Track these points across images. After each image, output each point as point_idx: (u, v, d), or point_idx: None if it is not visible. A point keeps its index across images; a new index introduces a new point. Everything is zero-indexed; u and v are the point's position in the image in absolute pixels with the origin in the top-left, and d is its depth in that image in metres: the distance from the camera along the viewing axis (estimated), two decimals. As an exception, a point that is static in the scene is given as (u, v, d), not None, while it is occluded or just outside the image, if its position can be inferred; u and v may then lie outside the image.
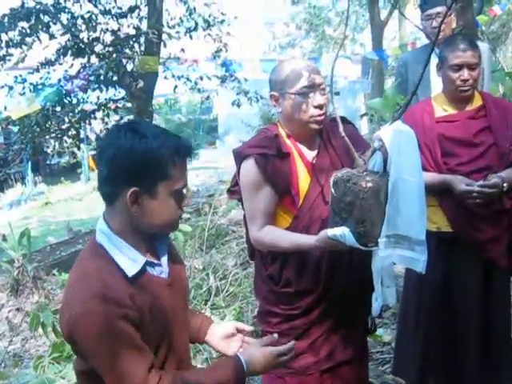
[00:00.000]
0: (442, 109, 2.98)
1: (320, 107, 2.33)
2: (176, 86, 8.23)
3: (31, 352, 5.23)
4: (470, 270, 2.93)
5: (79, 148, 8.36)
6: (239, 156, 2.43)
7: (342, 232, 2.06)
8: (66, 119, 7.47)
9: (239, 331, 2.02)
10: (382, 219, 2.06)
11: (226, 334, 2.00)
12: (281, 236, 2.34)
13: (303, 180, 2.40)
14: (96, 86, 7.25)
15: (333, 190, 2.09)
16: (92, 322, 1.52)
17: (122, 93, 7.72)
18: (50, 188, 16.13)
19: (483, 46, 3.95)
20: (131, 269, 1.62)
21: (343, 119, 2.42)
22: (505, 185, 2.74)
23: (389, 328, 4.33)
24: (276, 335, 1.96)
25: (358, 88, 19.32)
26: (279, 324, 2.46)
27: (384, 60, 13.19)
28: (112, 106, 7.83)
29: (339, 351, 2.47)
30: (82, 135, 8.58)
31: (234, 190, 2.55)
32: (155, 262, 1.73)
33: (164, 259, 1.77)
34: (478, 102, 2.96)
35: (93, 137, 15.85)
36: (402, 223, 2.09)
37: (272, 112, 16.10)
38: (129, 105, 7.85)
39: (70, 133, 7.61)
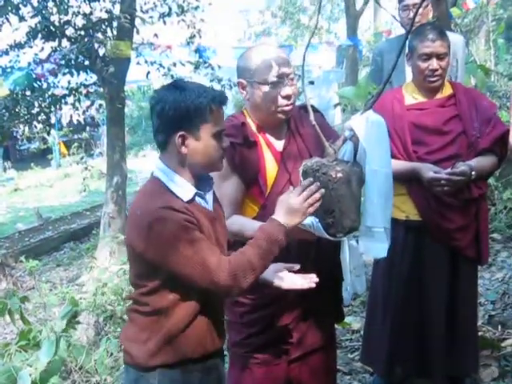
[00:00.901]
0: (412, 97, 3.00)
1: (288, 98, 2.31)
2: (149, 72, 8.10)
3: (-2, 340, 5.17)
4: (438, 258, 2.96)
5: (49, 133, 8.21)
6: None
7: (310, 221, 2.06)
8: (36, 104, 7.30)
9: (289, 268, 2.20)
10: (354, 209, 2.05)
11: (277, 268, 2.18)
12: (248, 225, 2.31)
13: (271, 169, 2.39)
14: (67, 70, 7.10)
15: (302, 180, 2.08)
16: (168, 224, 1.83)
17: (93, 78, 7.58)
18: (20, 174, 15.88)
19: (457, 38, 3.98)
20: (185, 196, 1.92)
21: (311, 107, 2.40)
22: (473, 173, 2.75)
23: (358, 316, 4.37)
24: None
25: (333, 78, 19.33)
26: (246, 314, 2.45)
27: (357, 47, 13.22)
28: (83, 91, 7.69)
29: (307, 340, 2.47)
30: (52, 121, 8.43)
31: None
32: (204, 196, 2.01)
33: (209, 196, 2.05)
34: (447, 90, 2.98)
35: (64, 122, 15.62)
36: (369, 214, 2.11)
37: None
38: (101, 90, 7.72)
39: (39, 118, 7.46)
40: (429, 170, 2.77)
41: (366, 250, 2.22)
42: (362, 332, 3.85)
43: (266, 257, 1.94)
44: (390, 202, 2.19)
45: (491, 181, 5.29)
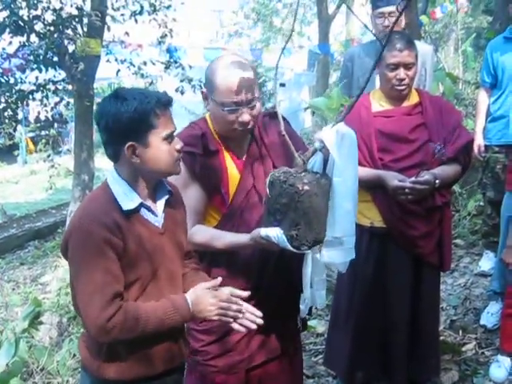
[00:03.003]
0: (379, 104, 3.02)
1: (244, 124, 2.25)
2: (119, 70, 8.06)
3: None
4: (401, 264, 2.99)
5: (15, 129, 8.08)
6: None
7: (275, 233, 2.03)
8: (3, 99, 7.20)
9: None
10: (320, 222, 2.03)
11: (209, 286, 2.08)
12: (212, 235, 2.30)
13: (233, 178, 2.35)
14: (35, 66, 7.01)
15: (268, 191, 2.05)
16: (80, 235, 1.83)
17: (62, 74, 7.49)
18: (-16, 169, 15.59)
19: (426, 48, 4.04)
20: (126, 204, 1.89)
21: (275, 114, 2.35)
22: (437, 181, 2.79)
23: (323, 319, 4.40)
24: (219, 279, 2.04)
25: (304, 80, 19.43)
26: (203, 321, 2.38)
27: (328, 54, 13.31)
28: (51, 87, 7.59)
29: (267, 348, 2.44)
30: (19, 116, 8.30)
31: None
32: (153, 209, 1.98)
33: (160, 210, 2.00)
34: (414, 99, 3.01)
35: (32, 118, 15.36)
36: (339, 224, 2.10)
37: (217, 101, 16.03)
38: (69, 87, 7.64)
39: (6, 113, 7.34)
40: (393, 178, 2.80)
41: (330, 258, 2.19)
42: (326, 335, 3.88)
43: (159, 328, 1.89)
44: (354, 216, 2.21)
45: (456, 188, 5.37)
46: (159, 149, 1.89)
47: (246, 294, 2.05)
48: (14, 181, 13.95)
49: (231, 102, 2.20)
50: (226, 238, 2.27)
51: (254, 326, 2.04)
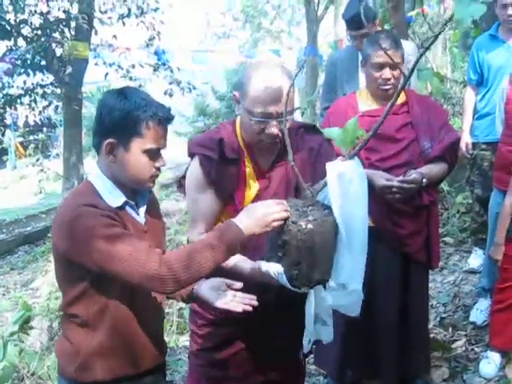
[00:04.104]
0: (366, 104, 3.03)
1: (272, 137, 2.12)
2: (107, 73, 8.06)
3: None
4: (390, 263, 2.99)
5: (4, 134, 8.06)
6: (188, 151, 2.30)
7: (276, 271, 1.90)
8: (-11, 104, 7.19)
9: (229, 287, 2.03)
10: (323, 262, 1.89)
11: (216, 285, 2.03)
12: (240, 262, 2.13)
13: (251, 189, 2.24)
14: (22, 70, 7.02)
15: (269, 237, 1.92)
16: (88, 220, 1.76)
17: (50, 78, 7.49)
18: (-26, 175, 15.50)
19: (410, 45, 4.06)
20: (112, 202, 1.87)
21: (312, 128, 2.26)
22: (424, 180, 2.80)
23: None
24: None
25: (294, 83, 19.45)
26: (203, 326, 2.39)
27: (316, 56, 13.33)
28: (39, 91, 7.58)
29: (265, 371, 2.37)
30: (8, 121, 8.28)
31: (182, 185, 2.40)
32: (135, 207, 1.94)
33: (142, 210, 1.98)
34: (401, 98, 3.01)
35: (21, 123, 15.30)
36: (343, 269, 1.93)
37: (206, 103, 16.02)
38: (57, 91, 7.62)
39: (-7, 118, 7.33)
40: (380, 178, 2.80)
41: (335, 301, 2.02)
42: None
43: (215, 258, 1.79)
44: (364, 263, 2.00)
45: (444, 186, 5.39)
46: (136, 158, 1.85)
47: (239, 284, 1.99)
48: (4, 186, 13.88)
49: (260, 113, 2.07)
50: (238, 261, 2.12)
51: (249, 308, 1.96)
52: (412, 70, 1.74)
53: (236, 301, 1.97)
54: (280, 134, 2.10)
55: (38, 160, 8.05)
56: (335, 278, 1.93)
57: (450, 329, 3.87)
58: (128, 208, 1.93)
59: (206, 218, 2.24)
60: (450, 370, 3.45)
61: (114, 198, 1.88)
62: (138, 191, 1.97)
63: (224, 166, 2.20)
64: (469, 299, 4.20)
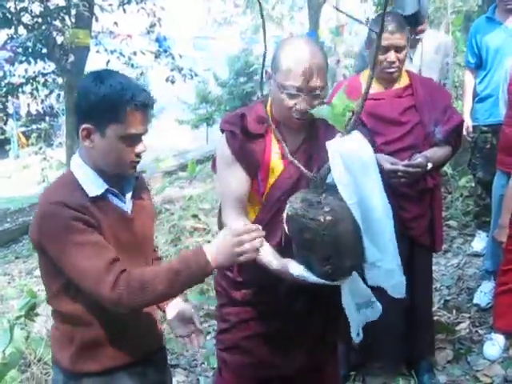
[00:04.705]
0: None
1: (302, 112, 2.06)
2: (109, 61, 8.02)
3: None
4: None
5: (6, 123, 8.05)
6: (220, 128, 2.29)
7: (308, 274, 1.85)
8: (-9, 92, 7.18)
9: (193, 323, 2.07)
10: (353, 247, 1.80)
11: (183, 315, 2.05)
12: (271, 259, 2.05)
13: (275, 167, 2.18)
14: (24, 58, 6.99)
15: (286, 228, 1.86)
16: (50, 222, 1.73)
17: (51, 66, 7.46)
18: (-24, 164, 15.53)
19: (448, 39, 4.12)
20: (92, 191, 1.81)
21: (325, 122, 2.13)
22: (429, 164, 2.80)
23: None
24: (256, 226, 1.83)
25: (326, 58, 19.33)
26: (222, 307, 2.36)
27: (318, 41, 13.24)
28: (41, 79, 7.56)
29: (287, 361, 2.27)
30: (11, 110, 8.27)
31: (215, 164, 2.35)
32: (119, 194, 1.89)
33: (128, 196, 1.93)
34: (405, 81, 3.00)
35: (23, 112, 15.29)
36: (368, 252, 1.86)
37: (208, 90, 15.97)
38: (59, 79, 7.61)
39: (-5, 107, 7.33)
40: (386, 162, 2.79)
41: (374, 283, 1.95)
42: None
43: (172, 289, 1.76)
44: (394, 235, 1.90)
45: (448, 169, 5.39)
46: (114, 144, 1.78)
47: (198, 325, 2.05)
48: (7, 175, 13.89)
49: (291, 86, 2.02)
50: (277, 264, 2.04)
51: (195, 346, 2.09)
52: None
53: (191, 338, 2.06)
54: (308, 114, 2.04)
55: (40, 149, 8.05)
56: (365, 258, 1.87)
57: (454, 311, 3.88)
58: (111, 196, 1.87)
59: (236, 196, 2.17)
60: (454, 352, 3.48)
61: (95, 186, 1.82)
62: (122, 177, 1.91)
63: (248, 142, 2.16)
64: (472, 282, 4.21)
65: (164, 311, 2.12)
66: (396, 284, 1.95)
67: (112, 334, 1.87)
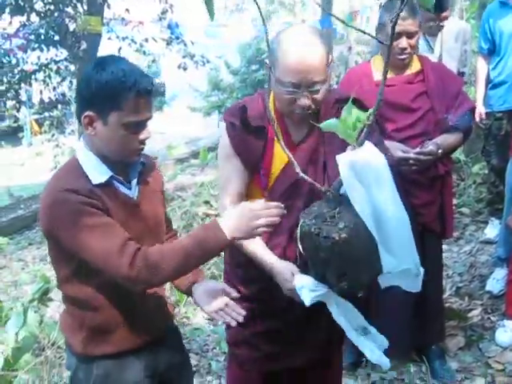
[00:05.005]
0: (381, 73, 2.98)
1: (304, 108, 1.98)
2: (120, 48, 8.04)
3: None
4: None
5: (19, 110, 8.09)
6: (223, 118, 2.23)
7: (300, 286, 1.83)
8: (5, 80, 7.20)
9: (226, 294, 1.94)
10: (370, 260, 1.73)
11: (213, 290, 1.95)
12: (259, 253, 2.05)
13: (279, 161, 2.09)
14: (36, 45, 7.02)
15: (300, 247, 1.78)
16: (61, 208, 1.72)
17: (64, 53, 7.49)
18: (-10, 152, 15.62)
19: (466, 26, 4.08)
20: (96, 178, 1.79)
21: (356, 103, 1.96)
22: (440, 151, 2.78)
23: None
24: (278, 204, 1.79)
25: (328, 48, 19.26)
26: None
27: (331, 28, 13.14)
28: (54, 67, 7.59)
29: (293, 356, 2.23)
30: (24, 98, 8.31)
31: None
32: (125, 181, 1.87)
33: (134, 183, 1.91)
34: (416, 66, 2.97)
35: (36, 100, 15.34)
36: (390, 260, 1.75)
37: (220, 78, 15.94)
38: (72, 67, 7.63)
39: (9, 94, 7.35)
40: (397, 150, 2.77)
41: (387, 283, 1.86)
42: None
43: (189, 263, 1.76)
44: (408, 240, 1.79)
45: (460, 156, 5.36)
46: (116, 132, 1.76)
47: (234, 293, 1.91)
48: (20, 163, 13.98)
49: (289, 83, 1.92)
50: (256, 249, 2.05)
51: (233, 323, 1.88)
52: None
53: (225, 311, 1.90)
54: (313, 106, 1.98)
55: (53, 136, 8.09)
56: (381, 269, 1.77)
57: (466, 298, 3.87)
58: (116, 183, 1.85)
59: (235, 188, 2.12)
60: (465, 338, 3.47)
61: (99, 174, 1.81)
62: (127, 164, 1.89)
63: (248, 134, 2.09)
64: (485, 269, 4.19)
65: (184, 292, 2.10)
66: (411, 281, 1.87)
67: (121, 317, 1.88)
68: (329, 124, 1.72)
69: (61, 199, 1.73)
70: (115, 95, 1.71)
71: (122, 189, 1.87)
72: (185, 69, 8.16)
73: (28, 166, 13.43)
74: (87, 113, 1.75)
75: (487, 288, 3.92)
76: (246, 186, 2.14)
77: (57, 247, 1.82)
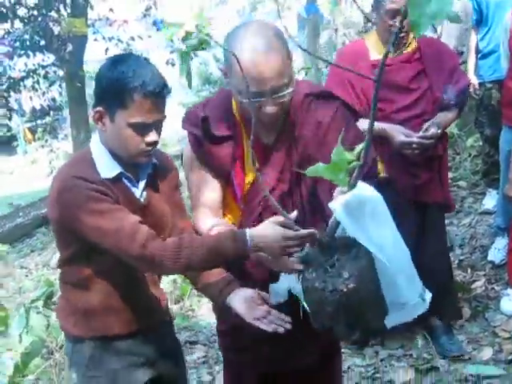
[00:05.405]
0: (377, 51, 2.93)
1: (269, 116, 1.78)
2: (107, 49, 7.99)
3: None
4: (407, 212, 2.96)
5: (10, 118, 8.07)
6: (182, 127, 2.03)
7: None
8: (-6, 88, 7.20)
9: (264, 300, 1.86)
10: (378, 304, 1.62)
11: (251, 298, 1.85)
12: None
13: (251, 168, 1.89)
14: (22, 52, 6.99)
15: (306, 305, 1.67)
16: (71, 194, 1.75)
17: (51, 58, 7.46)
18: (-15, 163, 15.59)
19: (466, 3, 4.07)
20: (104, 173, 1.80)
21: (325, 95, 1.92)
22: (439, 131, 2.77)
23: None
24: (294, 214, 1.67)
25: (292, 46, 19.20)
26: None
27: (317, 14, 13.10)
28: (42, 72, 7.56)
29: (287, 358, 2.09)
30: (15, 107, 8.30)
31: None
32: (133, 180, 1.86)
33: (141, 184, 1.88)
34: (412, 44, 2.93)
35: (27, 108, 15.30)
36: (393, 298, 1.65)
37: (210, 71, 15.88)
38: (59, 71, 7.61)
39: (-1, 103, 7.35)
40: (400, 134, 2.75)
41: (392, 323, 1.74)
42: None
43: (206, 261, 1.73)
44: (416, 277, 1.71)
45: (454, 130, 5.35)
46: (121, 131, 1.75)
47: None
48: (16, 172, 13.97)
49: (251, 93, 1.65)
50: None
51: (281, 329, 1.78)
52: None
53: (269, 319, 1.80)
54: (280, 111, 1.79)
55: (46, 141, 8.08)
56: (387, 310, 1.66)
57: (469, 270, 3.88)
58: (124, 180, 1.85)
59: (208, 198, 1.95)
60: (471, 310, 3.49)
61: (108, 169, 1.81)
62: (136, 164, 1.86)
63: (214, 145, 1.91)
64: (485, 239, 4.20)
65: (198, 288, 2.06)
66: (418, 308, 1.73)
67: (114, 303, 1.90)
68: (315, 170, 1.53)
69: (71, 185, 1.75)
70: (121, 94, 1.71)
71: (131, 187, 1.87)
72: (173, 65, 8.10)
73: (24, 174, 13.41)
74: (98, 108, 1.77)
75: (489, 258, 3.93)
76: (220, 195, 1.97)
77: (61, 230, 1.86)
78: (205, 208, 1.95)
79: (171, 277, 4.27)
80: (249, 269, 1.97)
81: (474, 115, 4.70)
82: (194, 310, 4.21)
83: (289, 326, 1.77)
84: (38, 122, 11.99)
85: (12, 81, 7.27)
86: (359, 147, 1.48)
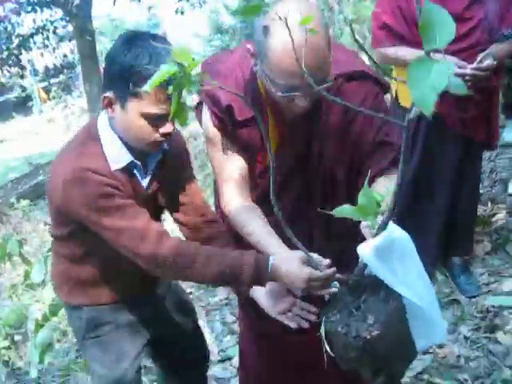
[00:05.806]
0: None
1: (301, 108, 1.64)
2: (115, 0, 7.89)
3: (6, 285, 5.24)
4: (449, 146, 2.93)
5: (23, 77, 8.06)
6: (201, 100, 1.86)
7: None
8: (3, 47, 7.16)
9: (291, 292, 1.77)
10: (406, 348, 1.55)
11: (276, 289, 1.76)
12: (247, 225, 1.78)
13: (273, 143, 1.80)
14: (30, 8, 6.93)
15: (328, 348, 1.56)
16: (80, 188, 1.61)
17: (58, 13, 7.40)
18: (3, 124, 15.70)
19: None
20: (116, 163, 1.69)
21: (357, 76, 1.74)
22: (495, 62, 2.64)
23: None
24: (327, 263, 1.58)
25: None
26: None
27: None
28: (51, 27, 7.51)
29: (294, 355, 2.05)
30: (27, 66, 8.27)
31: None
32: (141, 168, 1.77)
33: (149, 172, 1.81)
34: None
35: (40, 68, 15.28)
36: (422, 338, 1.55)
37: (221, 21, 15.64)
38: (69, 28, 7.55)
39: (10, 61, 7.32)
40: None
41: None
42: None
43: (217, 280, 1.66)
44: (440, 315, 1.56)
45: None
46: (134, 120, 1.62)
47: (299, 292, 1.69)
48: (33, 131, 14.05)
49: (284, 85, 1.55)
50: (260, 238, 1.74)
51: (305, 325, 1.72)
52: None
53: (293, 312, 1.73)
54: (311, 103, 1.64)
55: (61, 97, 8.08)
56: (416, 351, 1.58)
57: (489, 203, 3.84)
58: (134, 169, 1.76)
59: (234, 171, 1.84)
60: (491, 243, 3.46)
61: (119, 157, 1.70)
62: (146, 152, 1.76)
63: (241, 129, 1.79)
64: (506, 172, 4.14)
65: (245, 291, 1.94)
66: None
67: (104, 275, 1.89)
68: (342, 211, 1.46)
69: (80, 178, 1.62)
70: (136, 81, 1.54)
71: (139, 176, 1.78)
72: (182, 13, 7.99)
73: (42, 134, 13.49)
74: (107, 94, 1.61)
75: (509, 191, 3.88)
76: (246, 168, 1.85)
77: (61, 214, 1.75)
78: (232, 182, 1.84)
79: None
80: None
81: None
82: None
83: (313, 318, 1.70)
84: (52, 80, 12.00)
85: (21, 38, 7.22)
86: (390, 189, 1.37)
